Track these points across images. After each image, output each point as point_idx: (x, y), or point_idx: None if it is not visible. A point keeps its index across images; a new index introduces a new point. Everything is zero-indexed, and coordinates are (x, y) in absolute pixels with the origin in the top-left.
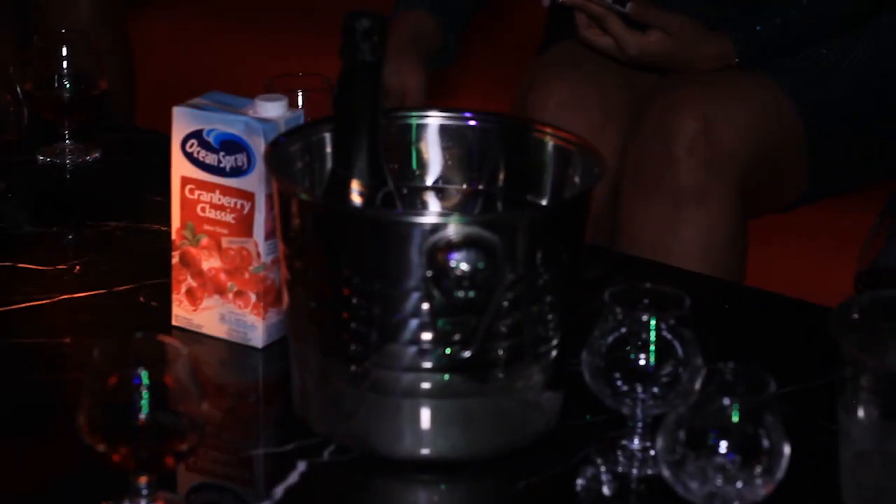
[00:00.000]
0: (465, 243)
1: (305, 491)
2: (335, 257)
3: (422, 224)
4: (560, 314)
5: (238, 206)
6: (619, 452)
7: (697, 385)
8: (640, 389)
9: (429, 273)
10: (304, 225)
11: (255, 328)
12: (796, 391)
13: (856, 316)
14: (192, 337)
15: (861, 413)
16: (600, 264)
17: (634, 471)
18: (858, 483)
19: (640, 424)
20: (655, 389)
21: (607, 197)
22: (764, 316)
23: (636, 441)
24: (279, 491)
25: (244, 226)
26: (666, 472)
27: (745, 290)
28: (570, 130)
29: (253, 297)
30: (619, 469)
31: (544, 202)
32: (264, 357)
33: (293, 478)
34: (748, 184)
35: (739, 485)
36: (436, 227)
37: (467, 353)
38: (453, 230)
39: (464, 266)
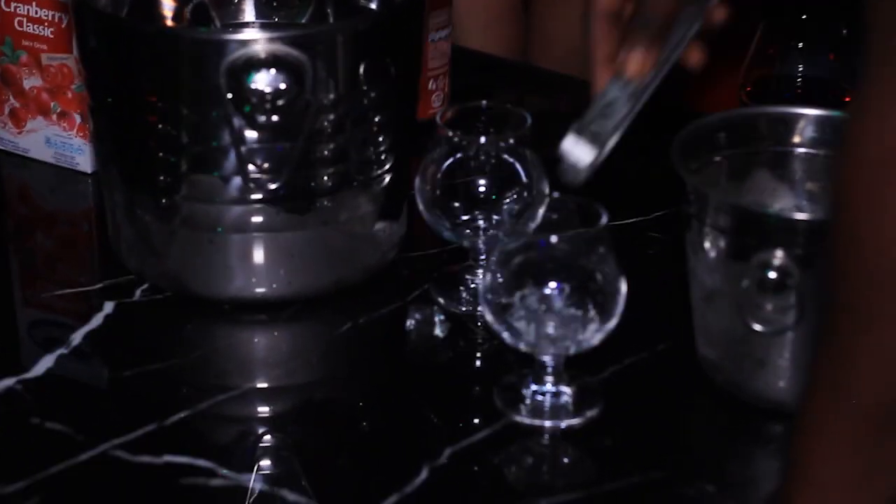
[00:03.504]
0: (266, 62)
1: (110, 334)
2: (136, 81)
3: (220, 41)
4: (392, 136)
5: (56, 20)
6: (462, 289)
7: (541, 211)
8: (480, 218)
9: (229, 96)
10: (102, 46)
11: (82, 151)
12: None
13: (711, 140)
14: (20, 162)
15: (709, 251)
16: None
17: (480, 310)
18: (706, 324)
19: (482, 258)
20: (497, 217)
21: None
22: None
23: (479, 275)
24: (77, 336)
25: (63, 41)
26: (489, 317)
27: None
28: None
29: (78, 119)
30: (462, 308)
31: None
32: (95, 183)
33: (97, 320)
34: None
35: (573, 327)
36: (236, 45)
37: (278, 184)
38: (254, 48)
39: (264, 87)
